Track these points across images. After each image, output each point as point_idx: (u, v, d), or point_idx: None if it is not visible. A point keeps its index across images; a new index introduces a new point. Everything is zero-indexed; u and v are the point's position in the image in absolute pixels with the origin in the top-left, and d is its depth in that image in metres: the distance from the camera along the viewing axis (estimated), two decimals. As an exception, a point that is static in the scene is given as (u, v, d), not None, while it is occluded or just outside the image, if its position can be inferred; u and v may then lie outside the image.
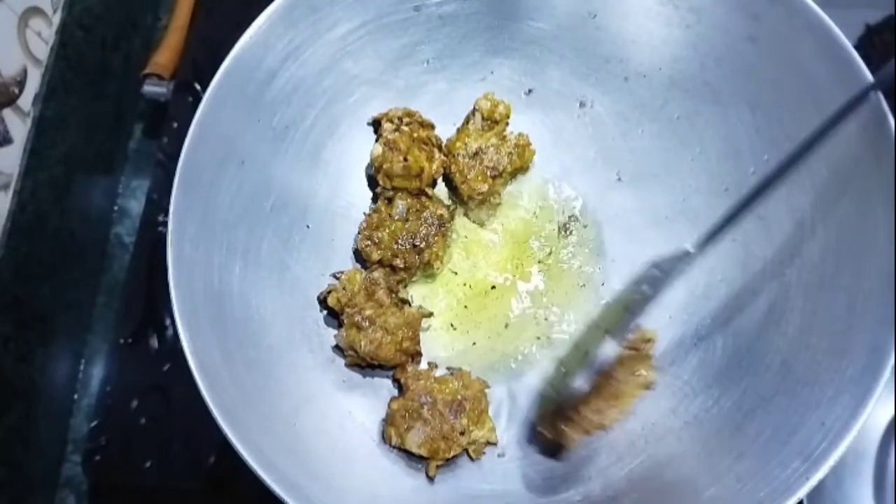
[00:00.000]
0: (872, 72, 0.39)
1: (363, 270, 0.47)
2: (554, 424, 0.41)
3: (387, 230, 0.46)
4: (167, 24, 0.66)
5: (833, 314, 0.39)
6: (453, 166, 0.48)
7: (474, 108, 0.49)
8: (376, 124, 0.49)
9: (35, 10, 0.54)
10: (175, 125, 0.60)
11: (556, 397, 0.42)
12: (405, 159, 0.46)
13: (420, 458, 0.42)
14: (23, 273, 0.52)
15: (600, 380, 0.40)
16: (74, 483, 0.56)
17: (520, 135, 0.49)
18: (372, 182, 0.49)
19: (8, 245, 0.50)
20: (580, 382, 0.39)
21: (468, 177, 0.48)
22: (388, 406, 0.44)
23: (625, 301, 0.41)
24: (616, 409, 0.40)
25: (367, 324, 0.44)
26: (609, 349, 0.39)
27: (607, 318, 0.43)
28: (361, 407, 0.44)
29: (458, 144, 0.48)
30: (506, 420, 0.45)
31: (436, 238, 0.47)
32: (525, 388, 0.46)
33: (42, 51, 0.54)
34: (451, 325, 0.48)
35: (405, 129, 0.47)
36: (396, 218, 0.47)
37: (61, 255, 0.56)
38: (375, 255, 0.46)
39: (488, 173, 0.48)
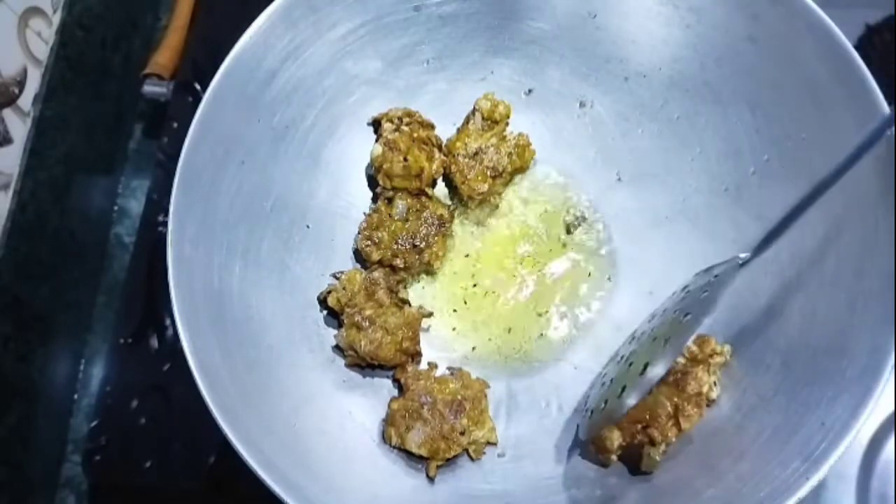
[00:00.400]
0: (873, 72, 0.39)
1: (363, 270, 0.47)
2: (603, 440, 0.40)
3: (387, 230, 0.46)
4: (167, 24, 0.66)
5: (833, 314, 0.39)
6: (453, 166, 0.48)
7: (474, 108, 0.49)
8: (376, 124, 0.49)
9: (35, 10, 0.54)
10: (175, 125, 0.60)
11: (611, 413, 0.40)
12: (405, 159, 0.46)
13: (420, 458, 0.42)
14: (23, 273, 0.52)
15: (663, 389, 0.39)
16: (74, 483, 0.56)
17: (520, 135, 0.49)
18: (372, 182, 0.49)
19: (8, 245, 0.50)
20: (633, 399, 0.38)
21: (468, 177, 0.48)
22: (388, 406, 0.44)
23: (680, 310, 0.40)
24: (685, 420, 0.39)
25: (367, 324, 0.44)
26: (667, 361, 0.39)
27: (665, 328, 0.41)
28: (361, 407, 0.44)
29: (458, 144, 0.48)
30: (506, 420, 0.45)
31: (436, 238, 0.47)
32: (525, 388, 0.46)
33: (42, 51, 0.54)
34: (452, 326, 0.48)
35: (405, 129, 0.47)
36: (396, 218, 0.47)
37: (61, 255, 0.56)
38: (375, 255, 0.46)
39: (488, 173, 0.48)
